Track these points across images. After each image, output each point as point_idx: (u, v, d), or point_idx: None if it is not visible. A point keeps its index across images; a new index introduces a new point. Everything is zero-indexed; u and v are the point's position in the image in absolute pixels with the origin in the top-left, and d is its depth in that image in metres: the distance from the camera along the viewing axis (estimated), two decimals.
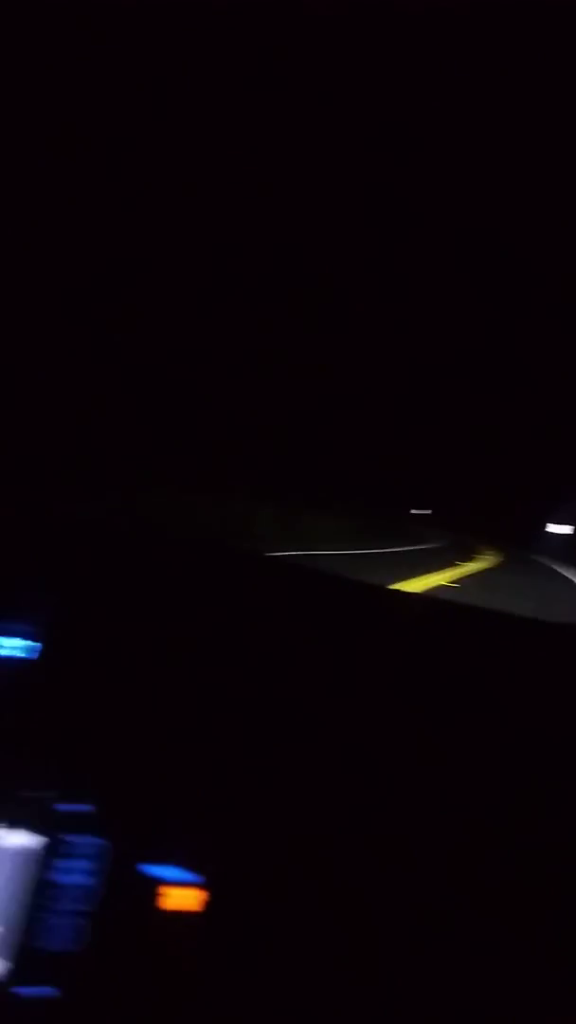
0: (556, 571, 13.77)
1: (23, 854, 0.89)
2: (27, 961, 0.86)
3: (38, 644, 1.05)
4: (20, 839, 0.90)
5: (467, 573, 9.52)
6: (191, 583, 1.15)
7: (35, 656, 1.04)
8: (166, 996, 0.82)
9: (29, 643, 1.05)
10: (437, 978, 0.81)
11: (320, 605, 1.12)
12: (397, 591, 1.38)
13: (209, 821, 0.87)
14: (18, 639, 1.05)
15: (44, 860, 0.89)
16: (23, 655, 1.04)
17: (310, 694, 0.97)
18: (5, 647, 1.04)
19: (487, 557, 14.79)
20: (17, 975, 0.86)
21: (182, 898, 0.83)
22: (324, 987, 0.82)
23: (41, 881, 0.88)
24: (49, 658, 1.03)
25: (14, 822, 0.91)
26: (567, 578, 12.28)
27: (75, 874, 0.87)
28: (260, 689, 0.98)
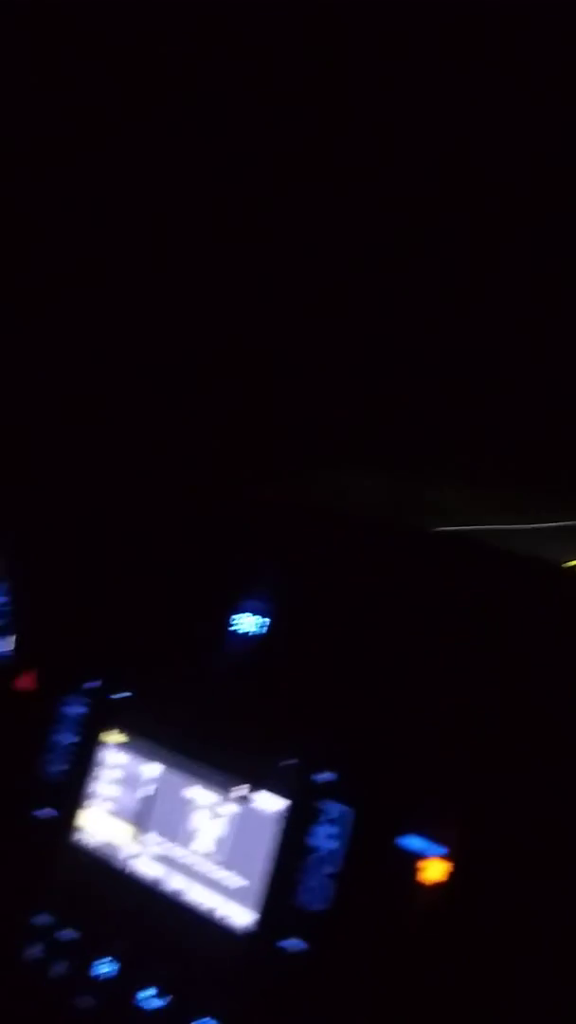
0: None
1: (270, 816, 0.97)
2: (275, 915, 0.94)
3: (267, 619, 1.12)
4: (267, 802, 0.98)
5: None
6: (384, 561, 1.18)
7: (265, 630, 1.11)
8: (411, 961, 0.87)
9: (259, 618, 1.12)
10: None
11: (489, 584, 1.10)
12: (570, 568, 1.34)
13: (452, 791, 0.90)
14: (249, 614, 1.12)
15: (290, 823, 0.96)
16: (255, 630, 1.11)
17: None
18: (240, 624, 1.12)
19: None
20: (265, 927, 0.94)
21: (431, 870, 0.87)
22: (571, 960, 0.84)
23: (287, 842, 0.95)
24: (278, 632, 1.10)
25: (258, 785, 0.99)
26: None
27: (321, 838, 0.94)
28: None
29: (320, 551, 1.21)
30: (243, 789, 1.00)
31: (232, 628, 1.11)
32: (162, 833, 1.04)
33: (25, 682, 1.14)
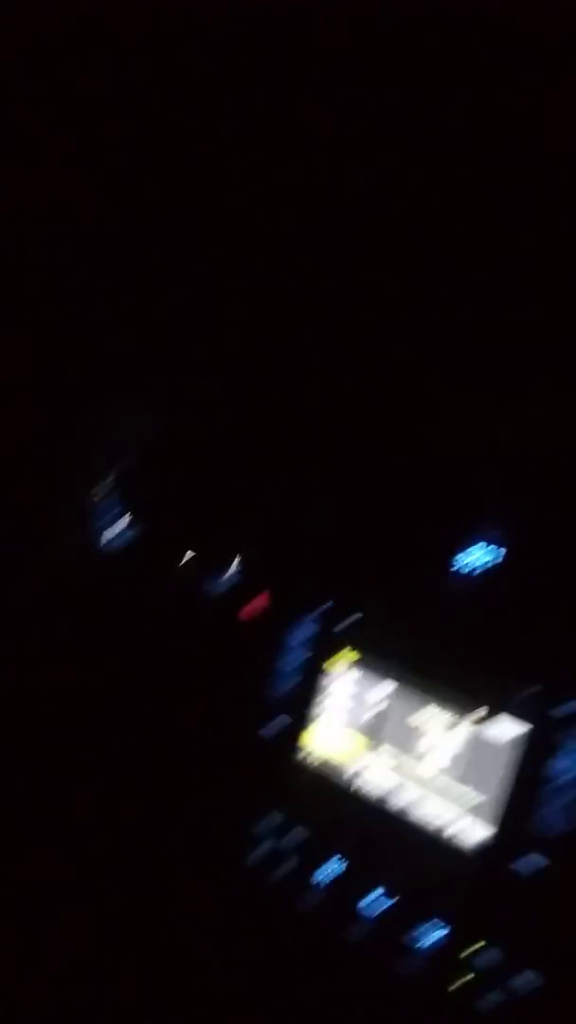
0: None
1: (512, 740, 1.06)
2: (515, 832, 1.04)
3: (502, 549, 1.19)
4: (509, 726, 1.07)
5: None
6: None
7: (500, 560, 1.18)
8: None
9: (494, 548, 1.19)
10: None
11: None
12: None
13: None
14: (483, 545, 1.20)
15: (533, 748, 1.05)
16: (490, 560, 1.19)
17: None
18: (474, 554, 1.19)
19: None
20: (504, 842, 1.05)
21: None
22: None
23: (529, 766, 1.04)
24: (515, 561, 1.17)
25: (499, 709, 1.08)
26: None
27: (564, 764, 1.02)
28: None
29: (550, 485, 1.26)
30: (482, 711, 1.09)
31: (465, 557, 1.19)
32: (395, 747, 1.15)
33: (260, 602, 1.27)
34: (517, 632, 1.11)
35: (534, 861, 1.02)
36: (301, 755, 1.20)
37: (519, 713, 1.06)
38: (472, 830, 1.07)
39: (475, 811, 1.07)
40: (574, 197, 0.90)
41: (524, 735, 1.05)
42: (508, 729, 1.07)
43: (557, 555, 1.16)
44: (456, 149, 0.91)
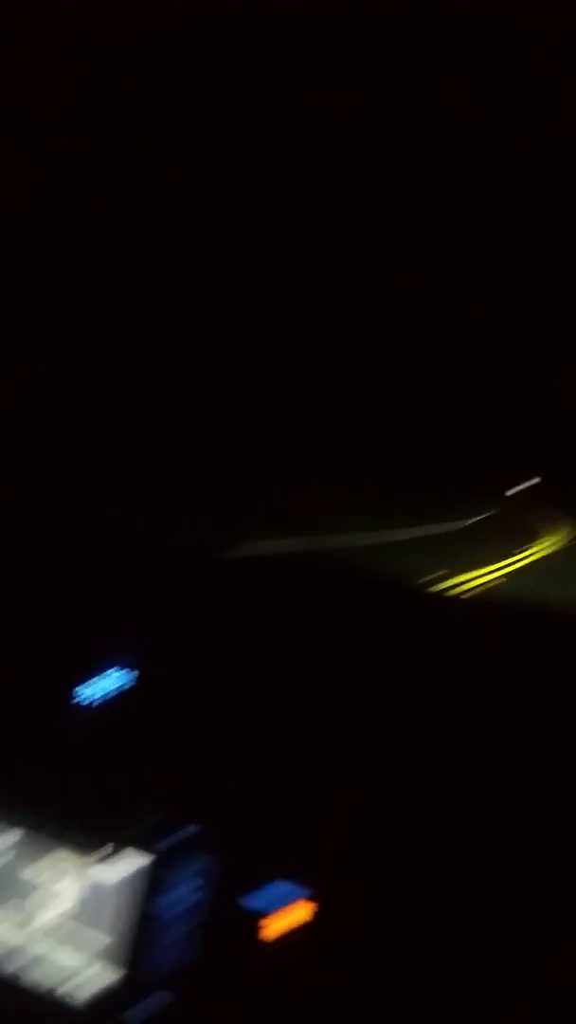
0: None
1: (133, 874, 1.05)
2: (142, 971, 1.02)
3: (135, 672, 1.20)
4: (126, 863, 1.06)
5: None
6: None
7: (132, 683, 1.19)
8: (275, 1006, 0.97)
9: (126, 672, 1.20)
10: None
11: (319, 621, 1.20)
12: (435, 594, 1.45)
13: (314, 835, 1.00)
14: (115, 671, 1.20)
15: (151, 881, 1.04)
16: (121, 684, 1.19)
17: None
18: (102, 686, 1.19)
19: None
20: (132, 983, 1.02)
21: (287, 917, 0.97)
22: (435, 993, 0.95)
23: (152, 899, 1.04)
24: (145, 685, 1.19)
25: (121, 844, 1.07)
26: None
27: (184, 891, 1.03)
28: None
29: (169, 597, 1.30)
30: (106, 849, 1.07)
31: (92, 686, 1.19)
32: (19, 900, 1.10)
33: None
34: (139, 762, 1.12)
35: (161, 999, 1.00)
36: None
37: (140, 846, 1.06)
38: (101, 976, 1.03)
39: (103, 955, 1.04)
40: None
41: (142, 869, 1.04)
42: (128, 864, 1.06)
43: (184, 678, 1.19)
44: None
